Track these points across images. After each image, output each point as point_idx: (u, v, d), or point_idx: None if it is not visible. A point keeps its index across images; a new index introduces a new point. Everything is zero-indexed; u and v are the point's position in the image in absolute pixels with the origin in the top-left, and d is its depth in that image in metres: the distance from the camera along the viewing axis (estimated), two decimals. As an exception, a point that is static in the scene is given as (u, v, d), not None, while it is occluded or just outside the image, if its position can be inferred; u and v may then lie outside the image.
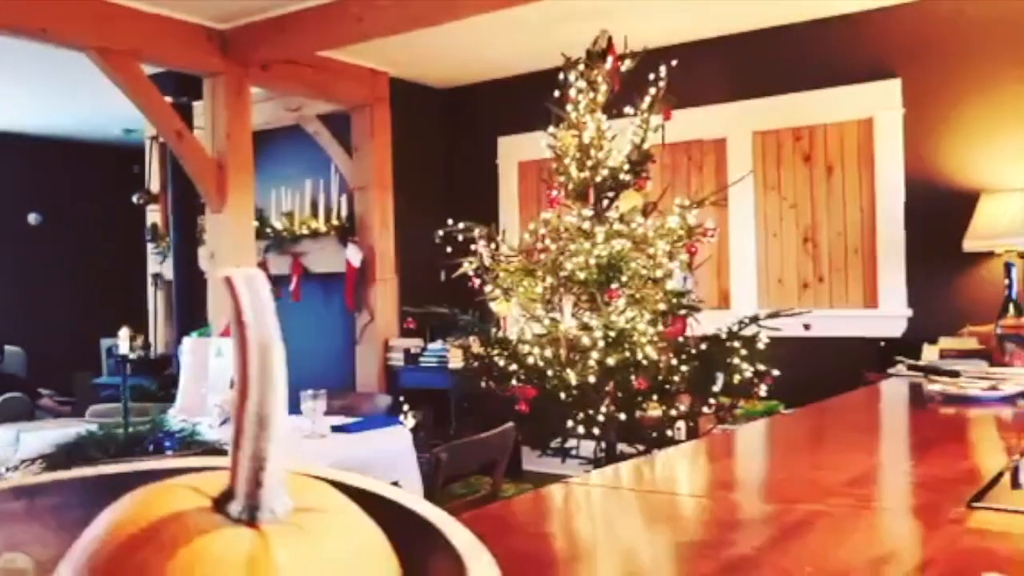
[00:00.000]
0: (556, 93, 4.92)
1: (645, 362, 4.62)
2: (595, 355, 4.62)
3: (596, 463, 4.60)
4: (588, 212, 4.85)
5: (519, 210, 6.69)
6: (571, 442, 4.76)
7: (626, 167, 4.92)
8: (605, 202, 4.94)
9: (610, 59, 4.96)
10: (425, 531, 0.55)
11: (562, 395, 4.64)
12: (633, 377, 4.60)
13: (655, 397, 4.73)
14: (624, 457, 4.16)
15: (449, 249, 5.13)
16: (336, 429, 3.51)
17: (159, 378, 6.62)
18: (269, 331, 0.45)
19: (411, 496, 0.56)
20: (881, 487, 1.38)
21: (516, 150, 6.66)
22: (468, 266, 5.01)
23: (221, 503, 0.45)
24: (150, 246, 7.76)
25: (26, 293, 8.69)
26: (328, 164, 6.72)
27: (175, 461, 0.58)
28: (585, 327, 4.73)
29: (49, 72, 6.34)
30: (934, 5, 5.18)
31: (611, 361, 4.62)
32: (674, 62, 4.88)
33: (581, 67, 4.91)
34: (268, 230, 6.82)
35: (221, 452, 2.82)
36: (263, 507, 0.45)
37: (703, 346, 4.73)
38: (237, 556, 0.42)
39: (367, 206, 6.48)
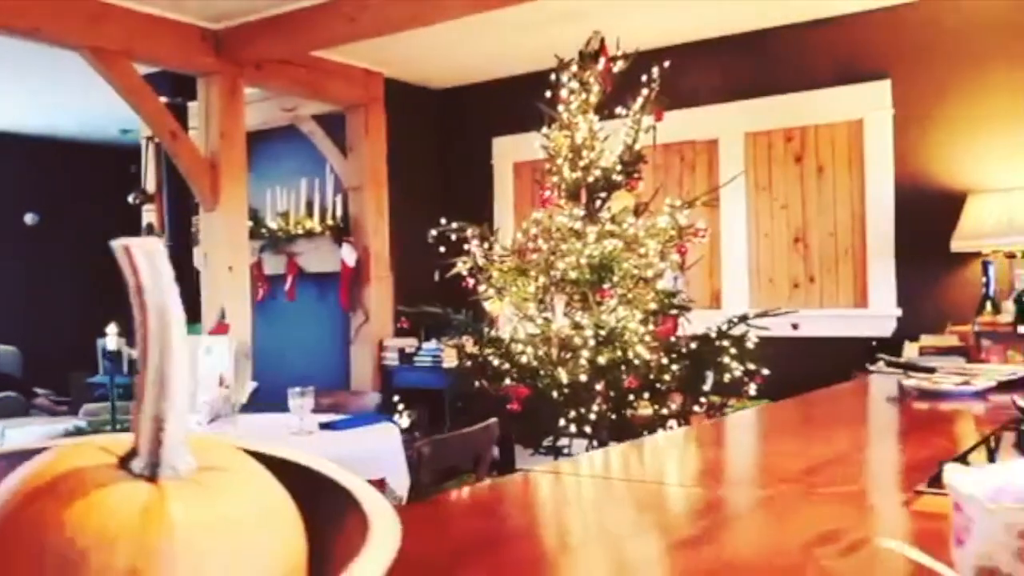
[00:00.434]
0: (548, 94, 4.95)
1: (636, 361, 4.64)
2: (586, 354, 4.65)
3: (587, 461, 4.62)
4: (580, 212, 4.88)
5: (514, 210, 6.72)
6: (563, 440, 4.78)
7: (618, 168, 4.95)
8: (597, 202, 4.97)
9: (602, 60, 5.00)
10: (336, 494, 0.58)
11: (554, 394, 4.67)
12: (624, 376, 4.63)
13: (646, 396, 4.76)
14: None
15: (442, 249, 5.16)
16: (324, 426, 3.54)
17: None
18: (167, 297, 0.47)
19: (323, 461, 0.59)
20: (836, 474, 1.41)
21: (511, 151, 6.69)
22: (462, 266, 5.04)
23: (126, 461, 0.48)
24: (147, 246, 7.78)
25: (23, 293, 8.72)
26: (323, 164, 6.75)
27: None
28: (577, 326, 4.75)
29: (45, 72, 6.38)
30: (924, 7, 5.20)
31: (602, 360, 4.65)
32: (666, 63, 4.92)
33: (574, 68, 4.95)
34: (263, 230, 6.85)
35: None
36: (164, 464, 0.48)
37: (693, 345, 4.76)
38: (132, 507, 0.44)
39: (362, 206, 6.51)
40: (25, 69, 6.36)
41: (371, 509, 0.54)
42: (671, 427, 5.18)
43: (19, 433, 2.96)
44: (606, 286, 4.78)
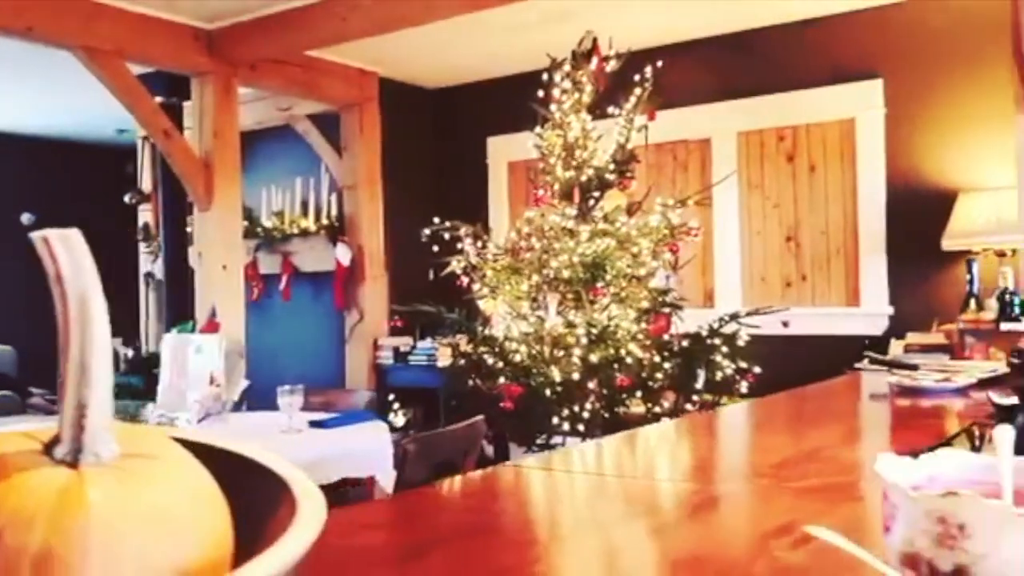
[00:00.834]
0: (541, 94, 4.97)
1: (629, 359, 4.66)
2: (578, 352, 4.67)
3: (579, 459, 4.63)
4: (572, 211, 4.89)
5: (508, 209, 6.73)
6: (557, 439, 4.79)
7: (611, 167, 4.97)
8: (591, 201, 4.99)
9: (595, 60, 5.02)
10: (269, 479, 0.59)
11: (547, 392, 4.69)
12: (617, 374, 4.64)
13: (639, 394, 4.77)
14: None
15: (436, 248, 5.18)
16: (314, 424, 3.55)
17: (149, 376, 6.67)
18: (87, 286, 0.48)
19: (257, 448, 0.60)
20: (807, 468, 1.42)
21: (505, 150, 6.70)
22: (456, 265, 5.05)
23: (49, 447, 0.49)
24: (142, 245, 7.80)
25: (20, 293, 8.71)
26: (318, 163, 6.76)
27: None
28: (570, 324, 4.77)
29: (42, 72, 6.39)
30: (915, 6, 5.21)
31: (594, 358, 4.66)
32: (659, 63, 4.94)
33: (567, 68, 4.97)
34: (258, 229, 6.86)
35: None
36: (86, 451, 0.49)
37: (685, 343, 4.78)
38: (50, 489, 0.46)
39: (357, 205, 6.52)
40: (22, 69, 6.38)
41: (299, 492, 0.56)
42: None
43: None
44: (599, 285, 4.80)
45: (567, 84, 4.95)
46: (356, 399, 4.39)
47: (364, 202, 6.49)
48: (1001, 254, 4.59)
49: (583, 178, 4.92)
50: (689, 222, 4.88)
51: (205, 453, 0.59)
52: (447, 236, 5.12)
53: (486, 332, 4.98)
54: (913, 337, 3.77)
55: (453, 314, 5.07)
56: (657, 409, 4.73)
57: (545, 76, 4.96)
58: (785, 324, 4.73)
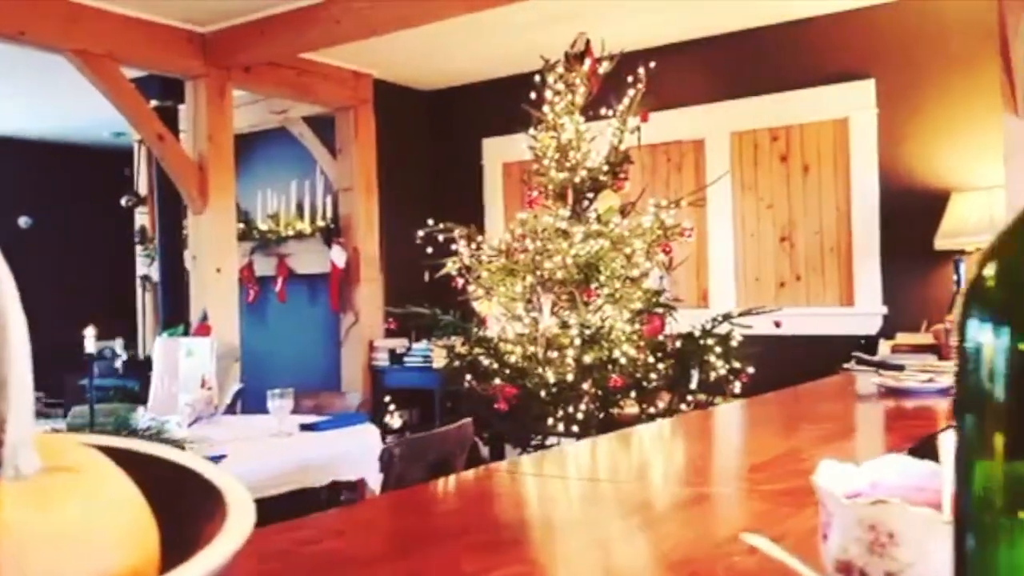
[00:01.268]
0: (534, 95, 4.97)
1: (623, 360, 4.66)
2: (571, 353, 4.67)
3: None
4: (566, 213, 4.90)
5: (504, 211, 6.73)
6: (552, 440, 4.79)
7: (605, 168, 4.97)
8: (584, 203, 4.99)
9: (588, 61, 5.02)
10: (202, 485, 0.59)
11: (542, 393, 4.69)
12: (611, 375, 4.64)
13: (633, 395, 4.78)
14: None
15: (430, 250, 5.18)
16: (304, 428, 3.55)
17: (145, 380, 6.67)
18: (3, 298, 0.49)
19: (189, 455, 0.60)
20: (780, 471, 1.42)
21: (500, 151, 6.70)
22: (451, 266, 5.06)
23: (-30, 462, 0.49)
24: (138, 248, 7.83)
25: (17, 296, 8.73)
26: (313, 166, 6.77)
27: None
28: (564, 325, 4.77)
29: (38, 75, 6.40)
30: (908, 6, 5.21)
31: (588, 359, 4.67)
32: (652, 64, 4.94)
33: (560, 69, 4.97)
34: (254, 232, 6.88)
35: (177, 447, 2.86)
36: (6, 464, 0.49)
37: (678, 344, 4.78)
38: (-38, 506, 0.46)
39: (352, 207, 6.52)
40: (18, 73, 6.38)
41: (231, 499, 0.56)
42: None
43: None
44: (593, 286, 4.80)
45: (560, 86, 4.95)
46: (348, 402, 4.40)
47: (359, 204, 6.49)
48: (993, 253, 4.57)
49: (576, 179, 4.92)
50: (683, 223, 4.88)
51: (140, 462, 0.59)
52: (441, 238, 5.13)
53: (481, 333, 4.98)
54: (902, 337, 3.78)
55: (448, 316, 5.07)
56: (651, 410, 4.74)
57: (538, 78, 4.97)
58: (777, 324, 4.73)
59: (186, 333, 5.03)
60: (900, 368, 2.50)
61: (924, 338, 3.52)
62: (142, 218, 7.82)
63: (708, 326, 4.72)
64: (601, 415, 4.67)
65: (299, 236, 6.76)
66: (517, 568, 0.88)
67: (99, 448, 0.59)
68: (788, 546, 0.98)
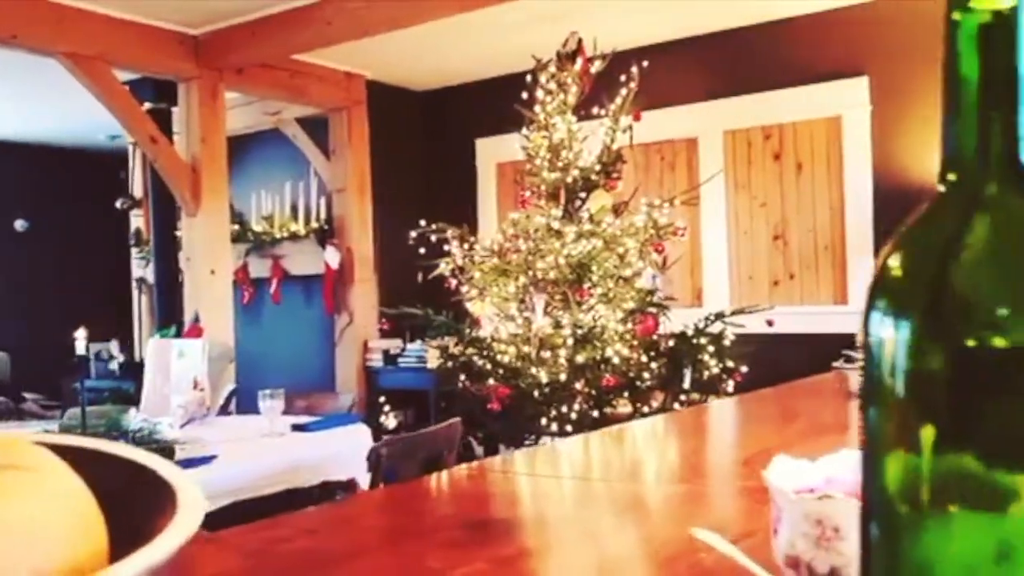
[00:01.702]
0: (525, 95, 4.98)
1: (616, 360, 4.67)
2: (564, 353, 4.67)
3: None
4: (558, 212, 4.90)
5: (497, 211, 6.73)
6: (545, 439, 4.79)
7: (597, 168, 4.98)
8: (577, 202, 5.00)
9: (580, 60, 5.02)
10: (155, 480, 0.60)
11: (535, 393, 4.69)
12: (604, 374, 4.65)
13: (626, 394, 4.78)
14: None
15: (422, 250, 5.19)
16: (296, 428, 3.56)
17: (141, 382, 6.67)
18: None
19: (141, 452, 0.61)
20: (752, 468, 1.42)
21: (494, 152, 6.71)
22: (445, 267, 5.06)
23: (-88, 460, 0.50)
24: (134, 251, 7.83)
25: (14, 299, 8.74)
26: (307, 167, 6.78)
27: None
28: (557, 325, 4.78)
29: (33, 78, 6.39)
30: (900, 3, 5.22)
31: (581, 359, 4.67)
32: (644, 63, 4.94)
33: (552, 69, 4.97)
34: (249, 233, 6.88)
35: (167, 450, 2.87)
36: (-52, 463, 0.49)
37: (671, 343, 4.79)
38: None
39: (345, 208, 6.52)
40: (13, 76, 6.38)
41: (182, 496, 0.57)
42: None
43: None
44: (586, 285, 4.81)
45: (552, 85, 4.96)
46: (340, 402, 4.40)
47: (353, 205, 6.50)
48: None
49: (569, 179, 4.92)
50: (676, 222, 4.88)
51: (96, 460, 0.59)
52: (434, 238, 5.13)
53: (474, 334, 4.98)
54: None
55: (441, 316, 5.07)
56: (645, 409, 4.74)
57: (529, 78, 4.97)
58: (770, 323, 4.73)
59: (178, 335, 5.03)
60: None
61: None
62: (137, 221, 7.82)
63: (701, 325, 4.73)
64: (595, 414, 4.67)
65: (293, 237, 6.77)
66: (479, 566, 0.89)
67: (56, 447, 0.60)
68: (760, 542, 0.99)
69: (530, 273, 4.82)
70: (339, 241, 6.51)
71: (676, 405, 4.74)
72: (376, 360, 6.48)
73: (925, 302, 0.42)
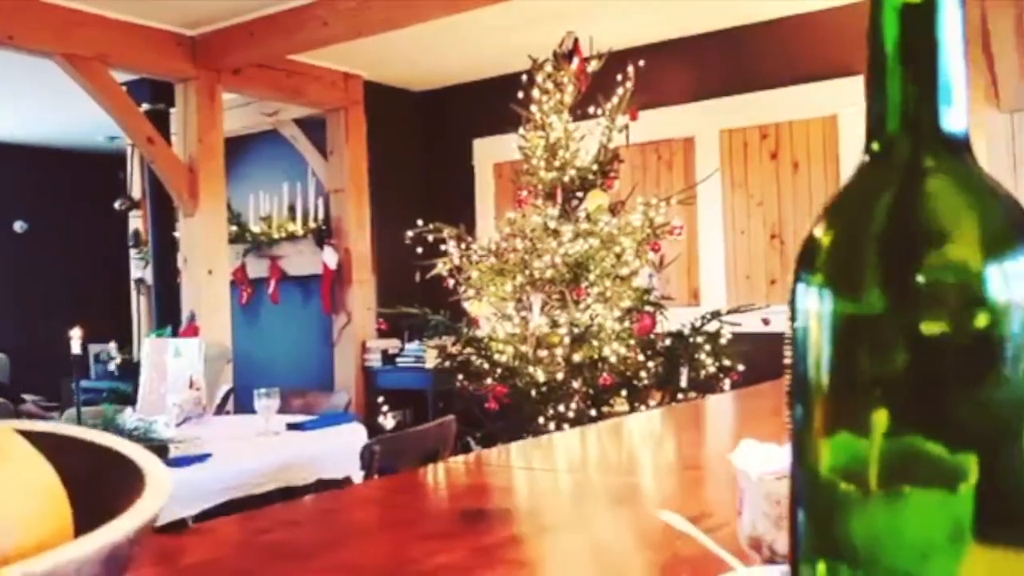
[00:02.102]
0: (522, 95, 4.98)
1: (613, 359, 4.67)
2: (561, 352, 4.68)
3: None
4: (554, 212, 4.91)
5: (495, 211, 6.73)
6: (543, 438, 4.79)
7: (594, 167, 4.98)
8: (574, 202, 5.00)
9: (576, 60, 5.03)
10: (125, 464, 0.61)
11: (532, 392, 4.70)
12: (601, 373, 4.66)
13: (623, 393, 4.79)
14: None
15: (420, 250, 5.20)
16: (291, 427, 3.56)
17: (138, 381, 6.68)
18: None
19: (111, 436, 0.62)
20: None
21: (491, 152, 6.71)
22: (442, 267, 5.07)
23: None
24: (133, 252, 7.84)
25: (13, 300, 8.76)
26: (305, 168, 6.78)
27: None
28: (555, 324, 4.78)
29: (31, 79, 6.41)
30: (895, 2, 5.22)
31: (577, 358, 4.68)
32: (641, 62, 4.95)
33: (549, 69, 4.98)
34: (247, 234, 6.89)
35: (161, 448, 2.88)
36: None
37: (668, 342, 4.80)
38: None
39: (343, 209, 6.53)
40: (11, 77, 6.39)
41: (150, 478, 0.58)
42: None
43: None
44: (583, 284, 4.81)
45: (549, 85, 4.97)
46: (335, 401, 4.41)
47: (351, 205, 6.50)
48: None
49: (565, 178, 4.93)
50: (673, 221, 4.89)
51: (68, 444, 0.60)
52: (431, 238, 5.14)
53: (471, 333, 4.99)
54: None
55: (438, 316, 5.08)
56: (642, 408, 4.74)
57: (526, 77, 4.98)
58: (766, 322, 4.74)
59: (174, 334, 5.04)
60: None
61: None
62: (136, 222, 7.83)
63: (698, 324, 4.74)
64: (592, 413, 4.68)
65: (291, 238, 6.78)
66: (460, 555, 0.89)
67: (32, 433, 0.60)
68: (725, 523, 1.00)
69: (527, 272, 4.82)
70: (337, 241, 6.52)
71: (673, 404, 4.74)
72: (374, 360, 6.49)
73: (879, 276, 0.40)
